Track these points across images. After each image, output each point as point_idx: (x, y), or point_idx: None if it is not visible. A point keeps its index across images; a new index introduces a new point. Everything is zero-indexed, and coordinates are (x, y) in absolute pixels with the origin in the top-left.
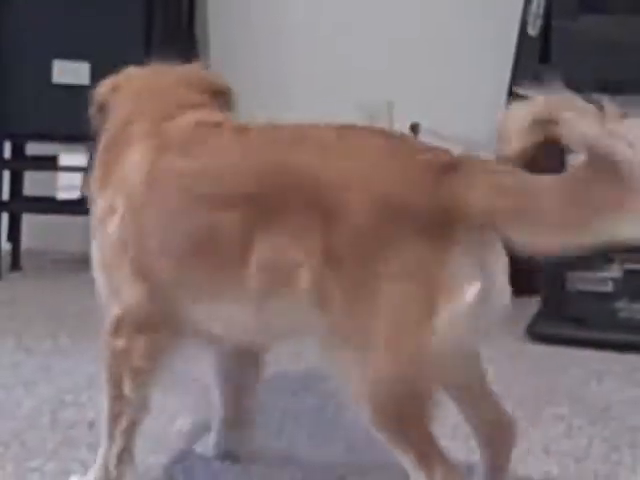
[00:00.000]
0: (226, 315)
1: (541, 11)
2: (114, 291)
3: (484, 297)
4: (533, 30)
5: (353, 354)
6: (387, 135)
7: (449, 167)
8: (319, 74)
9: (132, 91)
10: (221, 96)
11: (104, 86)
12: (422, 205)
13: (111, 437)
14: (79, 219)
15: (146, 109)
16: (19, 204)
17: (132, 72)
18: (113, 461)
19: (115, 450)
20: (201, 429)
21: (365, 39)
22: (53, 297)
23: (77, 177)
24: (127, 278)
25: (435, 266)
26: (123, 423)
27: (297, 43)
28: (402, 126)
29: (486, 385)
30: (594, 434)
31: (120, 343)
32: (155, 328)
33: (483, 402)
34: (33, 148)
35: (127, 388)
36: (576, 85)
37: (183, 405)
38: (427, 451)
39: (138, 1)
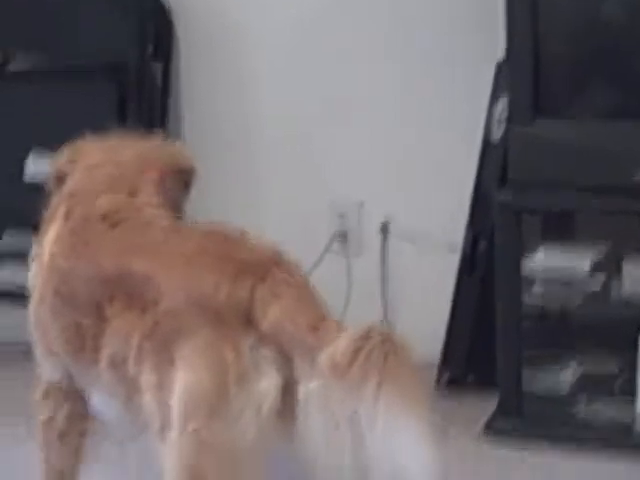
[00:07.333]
0: (99, 405)
1: (504, 117)
2: (39, 361)
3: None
4: (496, 135)
5: (160, 444)
6: (217, 236)
7: (261, 269)
8: (291, 170)
9: (86, 165)
10: (178, 174)
11: (62, 157)
12: (218, 301)
13: None
14: None
15: (81, 187)
16: None
17: (89, 145)
18: None
19: None
20: None
21: (338, 137)
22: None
23: None
24: (43, 354)
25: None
26: None
27: (269, 139)
28: (372, 225)
29: None
30: None
31: (48, 410)
32: (77, 396)
33: None
34: None
35: (54, 454)
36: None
37: None
38: None
39: (111, 99)
